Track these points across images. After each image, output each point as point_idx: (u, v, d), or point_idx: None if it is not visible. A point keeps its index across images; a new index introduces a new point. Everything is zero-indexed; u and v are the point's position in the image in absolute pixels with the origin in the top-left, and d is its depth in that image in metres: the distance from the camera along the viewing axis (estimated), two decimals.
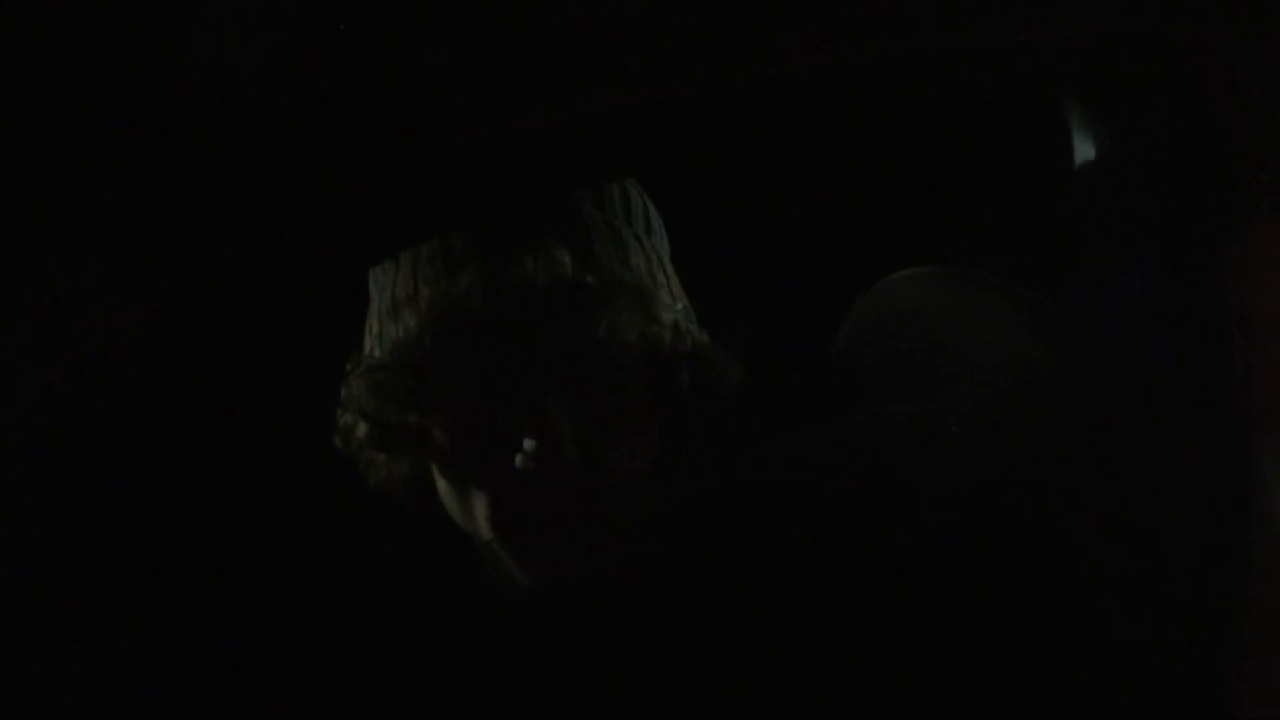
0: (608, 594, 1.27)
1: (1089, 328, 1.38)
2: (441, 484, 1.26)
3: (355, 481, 1.30)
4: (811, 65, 1.30)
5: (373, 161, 1.27)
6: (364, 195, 1.30)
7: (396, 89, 1.20)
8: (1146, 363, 1.29)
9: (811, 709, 1.26)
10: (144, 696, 1.30)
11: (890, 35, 1.24)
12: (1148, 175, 1.27)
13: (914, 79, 1.41)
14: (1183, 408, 1.25)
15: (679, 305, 1.27)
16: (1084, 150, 1.33)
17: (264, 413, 1.43)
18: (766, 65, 1.29)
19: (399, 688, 1.30)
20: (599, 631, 1.29)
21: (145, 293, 1.28)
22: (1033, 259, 1.42)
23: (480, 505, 1.23)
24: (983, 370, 1.44)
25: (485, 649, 1.31)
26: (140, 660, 1.32)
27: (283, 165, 1.22)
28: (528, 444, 1.18)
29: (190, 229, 1.27)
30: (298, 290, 1.42)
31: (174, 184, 1.21)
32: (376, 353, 1.25)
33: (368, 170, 1.26)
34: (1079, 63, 1.29)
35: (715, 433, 1.32)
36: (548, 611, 1.28)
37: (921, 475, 1.35)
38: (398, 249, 1.27)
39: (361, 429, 1.26)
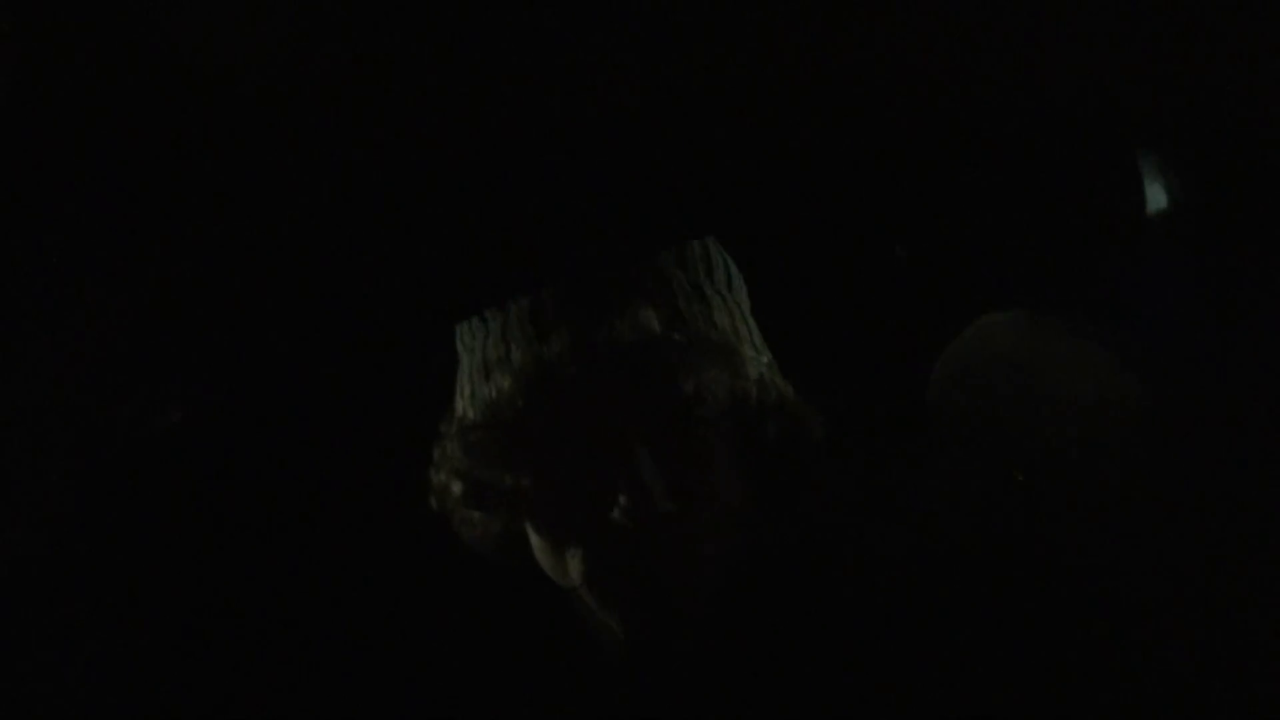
0: (699, 640, 1.28)
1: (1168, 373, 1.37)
2: (535, 539, 1.28)
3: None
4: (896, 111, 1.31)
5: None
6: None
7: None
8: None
9: None
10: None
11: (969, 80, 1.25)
12: (1216, 227, 1.26)
13: (993, 125, 1.41)
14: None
15: (764, 359, 1.28)
16: (1156, 199, 1.31)
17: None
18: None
19: None
20: (691, 677, 1.30)
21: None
22: (1108, 306, 1.41)
23: (574, 559, 1.25)
24: (1074, 419, 1.44)
25: (583, 697, 1.32)
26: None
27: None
28: (622, 499, 1.20)
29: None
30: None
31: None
32: (470, 413, 1.27)
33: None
34: (1157, 111, 1.28)
35: (804, 481, 1.34)
36: (641, 659, 1.29)
37: (1018, 535, 1.35)
38: (481, 307, 1.30)
39: (456, 487, 1.29)
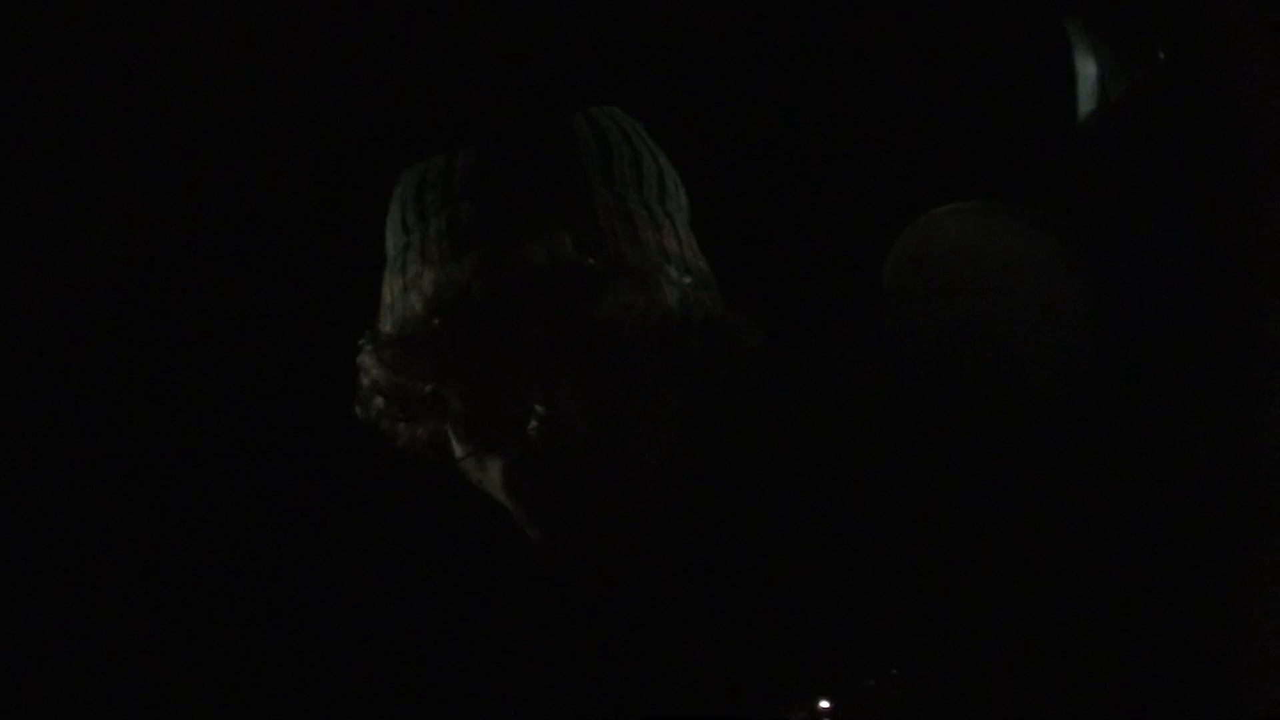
0: (623, 554, 1.30)
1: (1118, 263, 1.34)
2: (457, 449, 1.29)
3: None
4: None
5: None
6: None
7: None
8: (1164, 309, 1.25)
9: (823, 659, 1.29)
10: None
11: None
12: (1155, 110, 1.21)
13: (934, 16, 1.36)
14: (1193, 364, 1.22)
15: (687, 278, 1.26)
16: (1087, 77, 1.26)
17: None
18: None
19: (420, 634, 1.36)
20: (615, 587, 1.32)
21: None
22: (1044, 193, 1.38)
23: (494, 470, 1.26)
24: (1023, 310, 1.42)
25: (507, 605, 1.35)
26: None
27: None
28: (538, 410, 1.21)
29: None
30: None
31: None
32: (388, 326, 1.27)
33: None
34: None
35: (736, 393, 1.33)
36: (562, 570, 1.31)
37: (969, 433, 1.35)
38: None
39: (378, 399, 1.30)
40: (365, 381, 1.31)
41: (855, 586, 1.29)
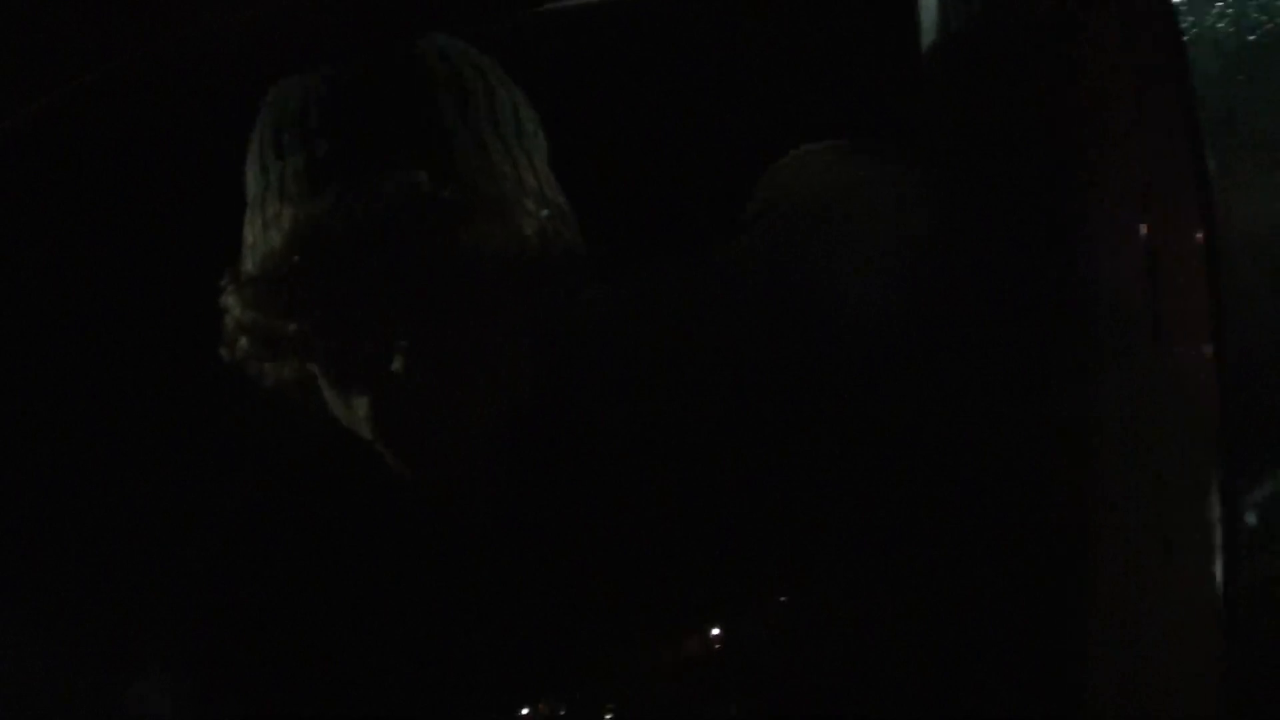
0: (485, 489, 1.33)
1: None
2: (324, 386, 1.30)
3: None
4: None
5: None
6: None
7: None
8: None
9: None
10: None
11: None
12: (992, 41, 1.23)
13: None
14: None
15: (544, 211, 1.28)
16: (929, 7, 1.28)
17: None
18: None
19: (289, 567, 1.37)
20: (477, 525, 1.34)
21: None
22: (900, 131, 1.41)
23: (361, 404, 1.28)
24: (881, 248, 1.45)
25: (375, 538, 1.37)
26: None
27: None
28: (401, 344, 1.23)
29: None
30: None
31: None
32: (249, 266, 1.28)
33: None
34: None
35: (593, 327, 1.36)
36: (427, 503, 1.34)
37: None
38: None
39: (243, 340, 1.31)
40: (229, 322, 1.32)
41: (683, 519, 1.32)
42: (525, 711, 1.31)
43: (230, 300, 1.30)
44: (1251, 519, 1.18)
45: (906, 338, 1.32)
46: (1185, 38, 1.14)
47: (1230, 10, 1.29)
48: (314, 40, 1.20)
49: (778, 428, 1.32)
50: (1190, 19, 1.21)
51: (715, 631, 1.30)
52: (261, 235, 1.27)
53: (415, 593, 1.34)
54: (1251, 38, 1.31)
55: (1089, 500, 1.11)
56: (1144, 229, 1.14)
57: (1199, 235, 1.15)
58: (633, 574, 1.31)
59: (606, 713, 1.30)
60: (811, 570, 1.30)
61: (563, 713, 1.30)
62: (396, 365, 1.23)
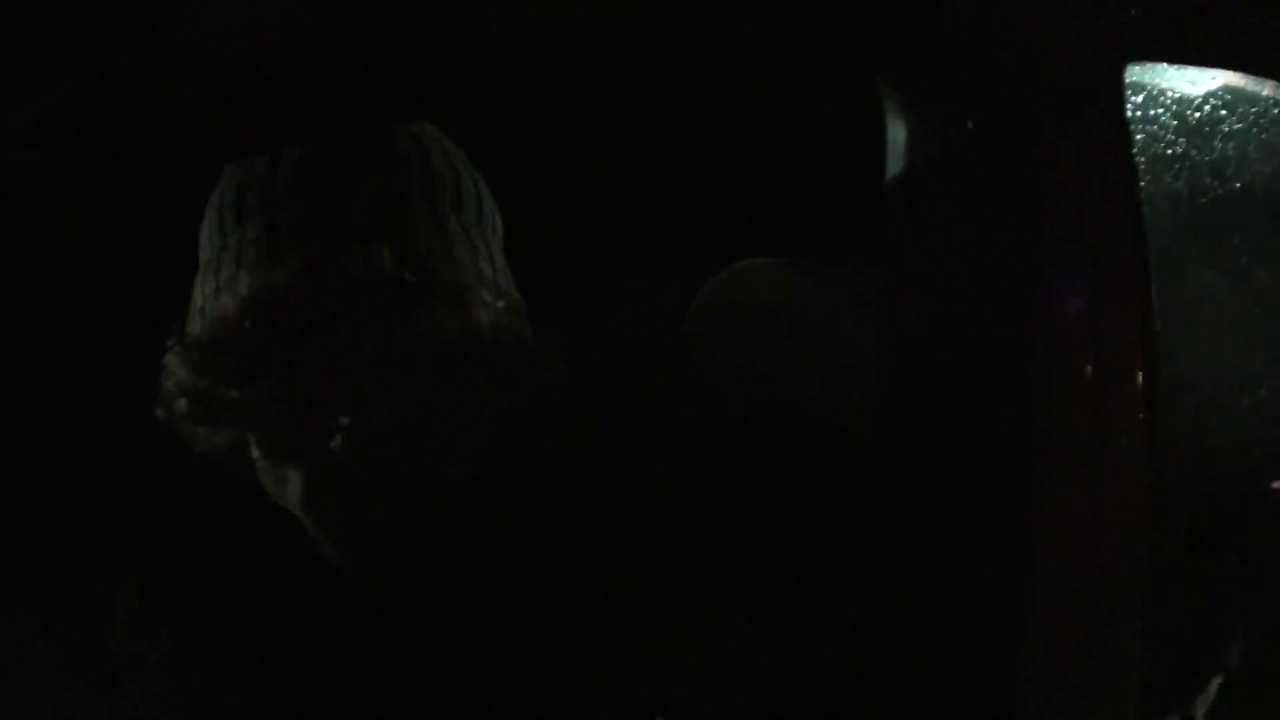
0: (420, 568, 1.31)
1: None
2: (258, 457, 1.28)
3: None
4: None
5: None
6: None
7: None
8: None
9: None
10: None
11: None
12: (959, 176, 1.27)
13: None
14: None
15: (500, 302, 1.28)
16: (896, 140, 1.32)
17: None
18: None
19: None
20: (408, 607, 1.32)
21: None
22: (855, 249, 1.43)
23: (295, 481, 1.26)
24: (824, 363, 1.48)
25: (302, 618, 1.34)
26: None
27: None
28: (343, 422, 1.21)
29: None
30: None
31: None
32: (197, 328, 1.26)
33: None
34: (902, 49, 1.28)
35: (542, 418, 1.36)
36: (356, 584, 1.31)
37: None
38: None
39: (181, 403, 1.28)
40: (169, 384, 1.29)
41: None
42: None
43: (173, 362, 1.27)
44: None
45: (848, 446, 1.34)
46: (1142, 196, 1.19)
47: (1185, 173, 1.36)
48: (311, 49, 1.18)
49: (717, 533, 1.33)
50: (1148, 178, 1.27)
51: None
52: (213, 299, 1.25)
53: (337, 674, 1.32)
54: (1203, 200, 1.37)
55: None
56: (1089, 369, 1.18)
57: (1140, 378, 1.19)
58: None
59: None
60: None
61: None
62: (336, 444, 1.22)
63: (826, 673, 1.28)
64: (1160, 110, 1.39)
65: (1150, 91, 1.40)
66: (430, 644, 1.31)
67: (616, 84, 1.52)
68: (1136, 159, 1.21)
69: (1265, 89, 1.37)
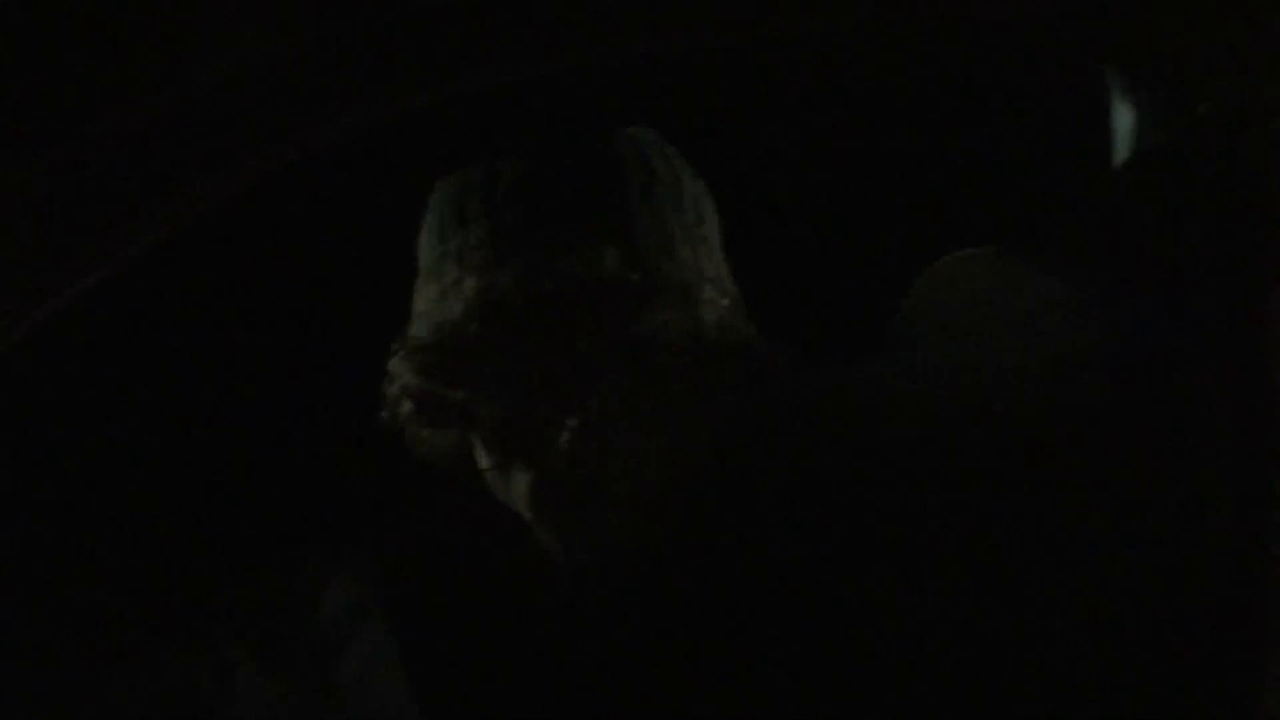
0: (642, 570, 1.31)
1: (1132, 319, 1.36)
2: (483, 459, 1.29)
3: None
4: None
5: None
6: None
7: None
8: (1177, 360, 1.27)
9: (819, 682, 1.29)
10: None
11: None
12: (1191, 164, 1.23)
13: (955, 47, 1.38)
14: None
15: (725, 300, 1.28)
16: (1123, 126, 1.27)
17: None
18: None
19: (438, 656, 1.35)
20: (630, 606, 1.32)
21: None
22: (1070, 243, 1.39)
23: (519, 481, 1.26)
24: (1038, 360, 1.44)
25: (526, 617, 1.34)
26: None
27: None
28: (570, 423, 1.21)
29: None
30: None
31: None
32: (422, 332, 1.28)
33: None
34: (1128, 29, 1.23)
35: (762, 418, 1.35)
36: (581, 583, 1.31)
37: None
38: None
39: (406, 404, 1.30)
40: (393, 388, 1.31)
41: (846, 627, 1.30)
42: None
43: (399, 366, 1.29)
44: None
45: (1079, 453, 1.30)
46: None
47: None
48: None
49: (938, 553, 1.30)
50: None
51: None
52: (437, 302, 1.27)
53: (555, 678, 1.32)
54: None
55: None
56: None
57: None
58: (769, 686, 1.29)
59: None
60: None
61: None
62: (564, 442, 1.22)
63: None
64: None
65: None
66: (654, 650, 1.31)
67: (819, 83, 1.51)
68: None
69: None
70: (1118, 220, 1.31)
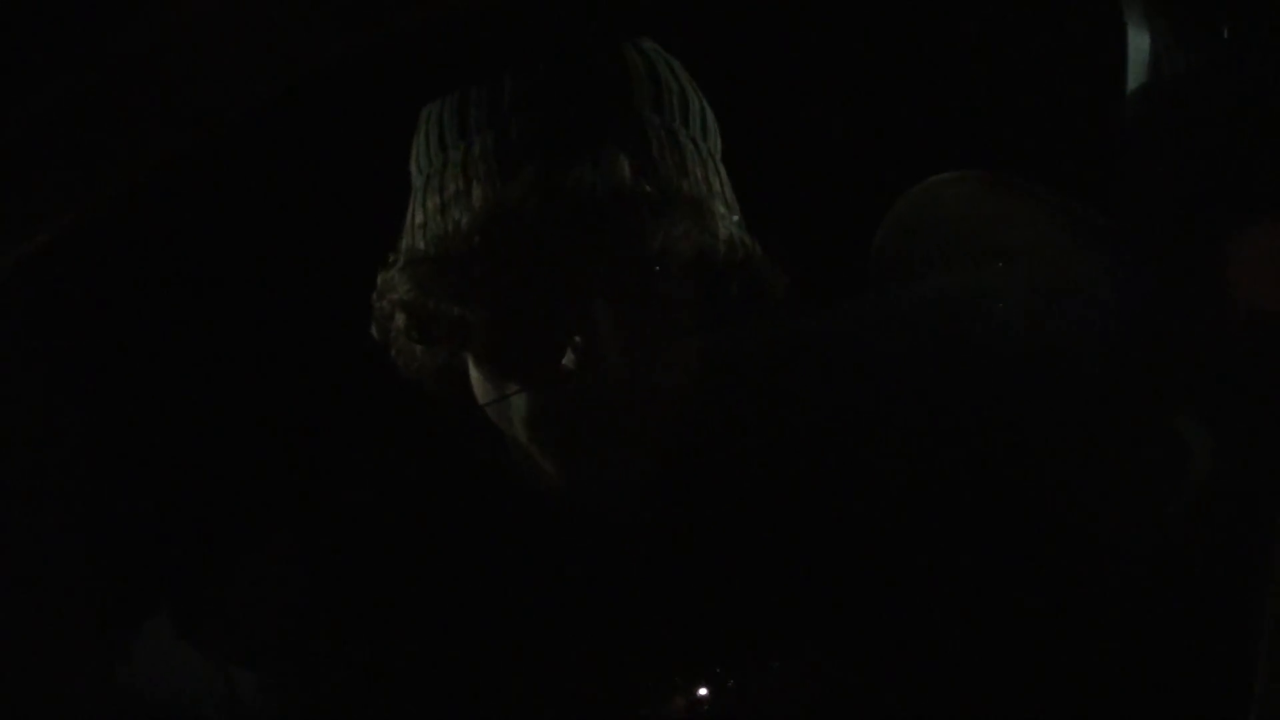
0: (639, 494, 1.27)
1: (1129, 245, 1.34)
2: (476, 377, 1.25)
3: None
4: None
5: None
6: None
7: None
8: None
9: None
10: None
11: None
12: (1213, 93, 1.21)
13: None
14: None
15: (735, 215, 1.24)
16: (1139, 51, 1.25)
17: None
18: None
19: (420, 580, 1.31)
20: (627, 531, 1.29)
21: None
22: (1074, 170, 1.37)
23: (517, 402, 1.22)
24: (1022, 276, 1.42)
25: (508, 540, 1.30)
26: None
27: None
28: (576, 340, 1.17)
29: None
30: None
31: None
32: (420, 244, 1.22)
33: None
34: None
35: (760, 339, 1.32)
36: (576, 508, 1.27)
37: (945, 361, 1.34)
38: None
39: (400, 318, 1.25)
40: (385, 302, 1.26)
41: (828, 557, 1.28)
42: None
43: (394, 279, 1.24)
44: None
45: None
46: None
47: None
48: None
49: (950, 487, 1.28)
50: None
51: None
52: (437, 214, 1.21)
53: (551, 600, 1.28)
54: None
55: None
56: None
57: None
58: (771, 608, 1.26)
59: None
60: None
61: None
62: (568, 360, 1.18)
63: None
64: None
65: None
66: (647, 580, 1.28)
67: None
68: None
69: None
70: (1125, 155, 1.30)
